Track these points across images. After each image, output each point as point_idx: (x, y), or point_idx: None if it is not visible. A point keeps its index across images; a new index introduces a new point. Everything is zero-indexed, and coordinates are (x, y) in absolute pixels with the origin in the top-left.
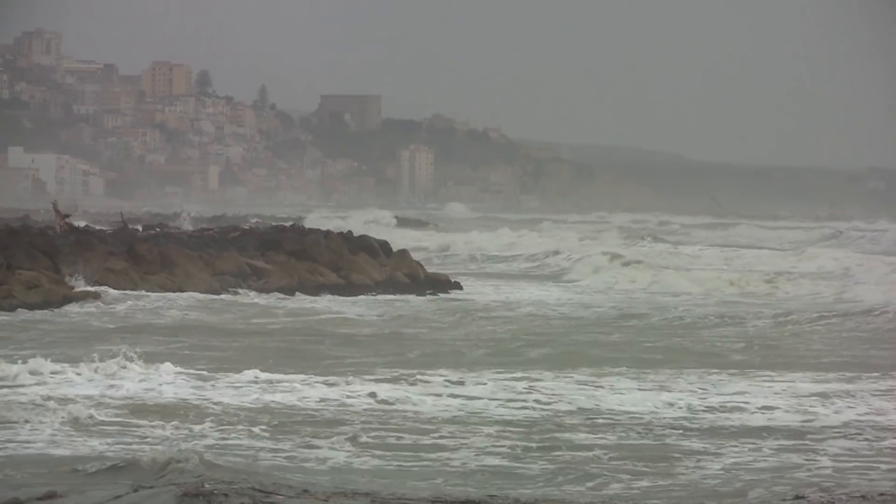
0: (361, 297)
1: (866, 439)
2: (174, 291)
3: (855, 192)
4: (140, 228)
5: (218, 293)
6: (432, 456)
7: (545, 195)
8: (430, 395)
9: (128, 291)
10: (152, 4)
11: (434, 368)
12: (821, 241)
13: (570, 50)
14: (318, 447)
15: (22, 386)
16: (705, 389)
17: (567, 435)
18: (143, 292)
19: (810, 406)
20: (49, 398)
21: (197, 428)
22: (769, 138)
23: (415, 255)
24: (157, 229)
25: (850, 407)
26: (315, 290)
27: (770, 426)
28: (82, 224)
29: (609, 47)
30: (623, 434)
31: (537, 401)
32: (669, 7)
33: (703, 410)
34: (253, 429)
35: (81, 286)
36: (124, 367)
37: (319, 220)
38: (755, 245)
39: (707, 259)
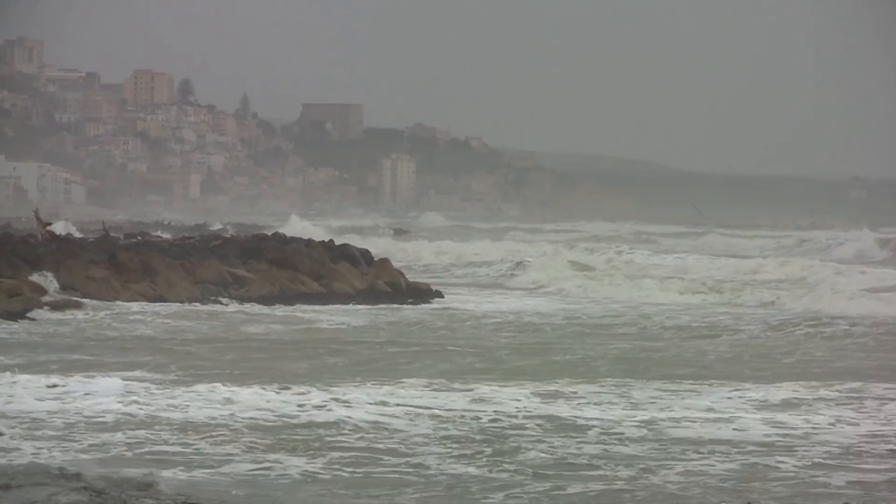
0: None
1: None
2: (155, 299)
3: (837, 201)
4: (121, 237)
5: (200, 301)
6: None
7: (526, 204)
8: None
9: (104, 301)
10: (134, 13)
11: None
12: (786, 249)
13: (552, 59)
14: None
15: None
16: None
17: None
18: (120, 303)
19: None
20: None
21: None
22: (751, 147)
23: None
24: (139, 237)
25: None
26: (296, 299)
27: (719, 438)
28: (63, 230)
29: (591, 57)
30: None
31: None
32: (651, 18)
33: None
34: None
35: (54, 288)
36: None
37: (297, 229)
38: (722, 253)
39: (668, 267)
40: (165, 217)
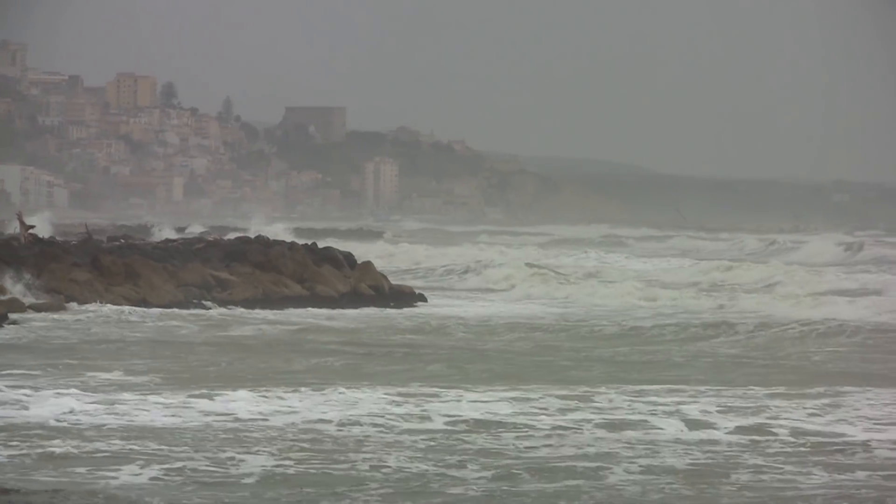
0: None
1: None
2: (138, 302)
3: (820, 204)
4: (104, 240)
5: (183, 306)
6: None
7: (510, 207)
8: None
9: (80, 305)
10: (118, 16)
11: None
12: (757, 252)
13: (536, 63)
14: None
15: None
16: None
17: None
18: (99, 305)
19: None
20: None
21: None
22: (735, 151)
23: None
24: (122, 240)
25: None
26: (279, 302)
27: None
28: (42, 224)
29: (575, 60)
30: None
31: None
32: (635, 23)
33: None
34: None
35: (28, 292)
36: None
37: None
38: (687, 256)
39: (632, 269)
40: (148, 220)
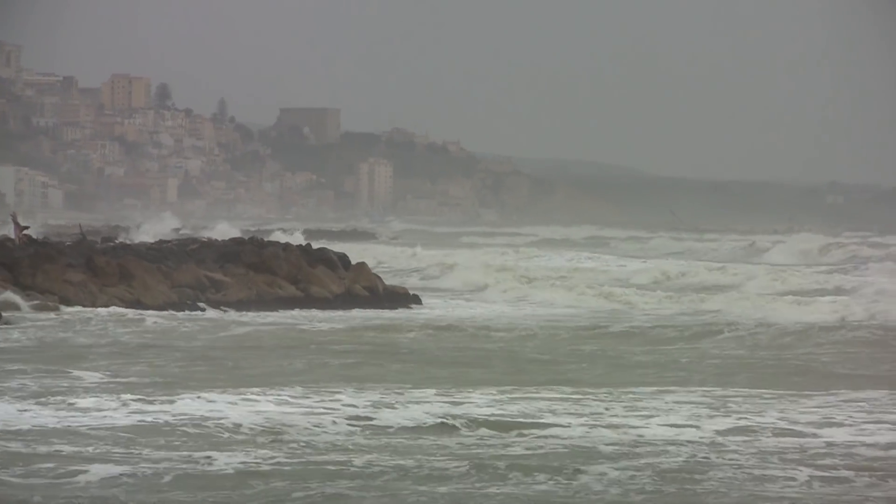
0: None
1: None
2: (132, 303)
3: (814, 206)
4: (99, 240)
5: (177, 307)
6: None
7: (504, 209)
8: None
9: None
10: (112, 18)
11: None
12: (732, 252)
13: (530, 64)
14: None
15: None
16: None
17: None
18: (82, 308)
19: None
20: None
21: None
22: (730, 153)
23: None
24: (116, 241)
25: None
26: (273, 303)
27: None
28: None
29: (570, 62)
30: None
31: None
32: (630, 24)
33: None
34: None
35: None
36: None
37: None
38: (667, 256)
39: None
40: (141, 222)
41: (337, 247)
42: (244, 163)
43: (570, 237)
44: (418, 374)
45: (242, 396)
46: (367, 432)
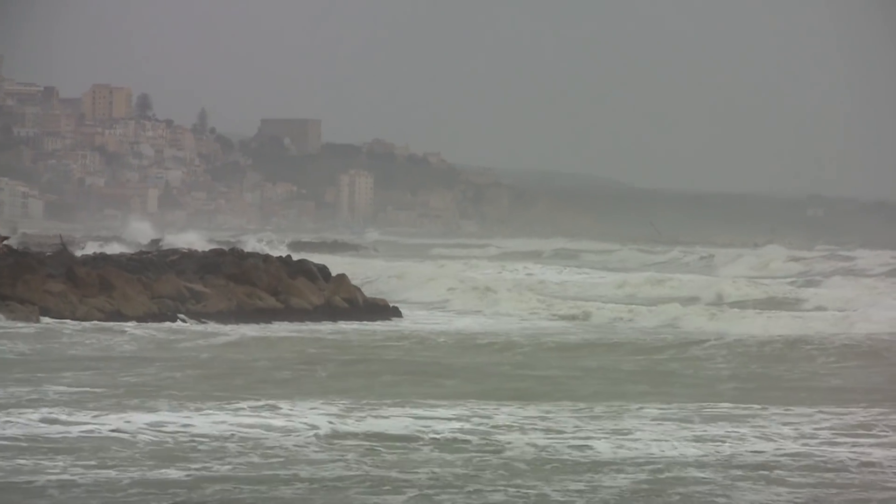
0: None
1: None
2: (112, 314)
3: (795, 218)
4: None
5: (157, 318)
6: None
7: (485, 220)
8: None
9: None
10: (93, 27)
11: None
12: (690, 264)
13: (511, 75)
14: None
15: None
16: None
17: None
18: (60, 321)
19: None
20: None
21: None
22: (712, 164)
23: None
24: (97, 252)
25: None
26: (254, 315)
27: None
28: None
29: (550, 73)
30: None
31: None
32: (607, 34)
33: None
34: None
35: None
36: None
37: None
38: (632, 269)
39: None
40: (122, 232)
41: (301, 256)
42: (225, 173)
43: (539, 249)
44: (382, 385)
45: (201, 413)
46: (323, 443)
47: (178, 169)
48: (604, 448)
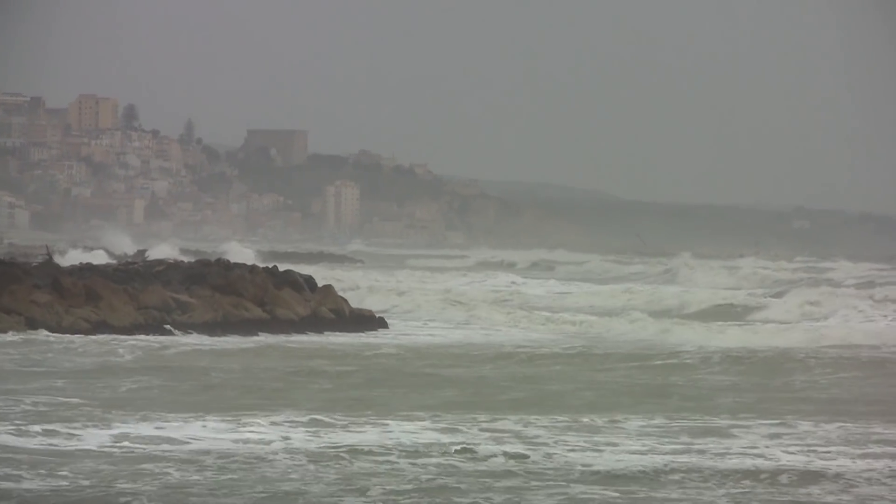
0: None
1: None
2: (98, 324)
3: (781, 230)
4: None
5: (143, 329)
6: None
7: (471, 232)
8: None
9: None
10: (79, 38)
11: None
12: (652, 276)
13: (498, 87)
14: None
15: None
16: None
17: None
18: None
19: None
20: None
21: None
22: (697, 176)
23: None
24: (82, 262)
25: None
26: (239, 325)
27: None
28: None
29: (536, 84)
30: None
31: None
32: (597, 47)
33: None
34: None
35: None
36: None
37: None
38: (597, 280)
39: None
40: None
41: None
42: (211, 184)
43: (514, 260)
44: (362, 396)
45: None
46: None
47: (164, 179)
48: (582, 459)
